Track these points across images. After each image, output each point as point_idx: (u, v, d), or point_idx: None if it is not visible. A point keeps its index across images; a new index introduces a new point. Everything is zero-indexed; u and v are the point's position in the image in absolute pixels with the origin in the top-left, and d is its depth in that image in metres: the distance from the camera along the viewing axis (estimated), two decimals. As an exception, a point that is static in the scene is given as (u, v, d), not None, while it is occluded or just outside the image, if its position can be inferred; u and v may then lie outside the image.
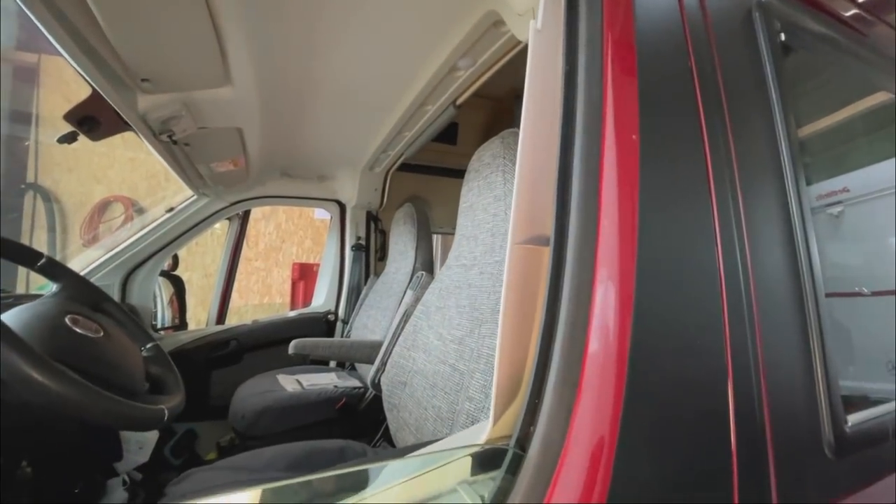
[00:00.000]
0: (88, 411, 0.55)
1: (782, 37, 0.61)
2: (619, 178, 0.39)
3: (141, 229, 1.90)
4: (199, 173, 1.75)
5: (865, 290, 1.25)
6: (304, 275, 3.75)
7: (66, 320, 0.67)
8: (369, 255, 2.43)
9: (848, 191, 1.37)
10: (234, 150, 1.64)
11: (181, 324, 2.24)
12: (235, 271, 2.30)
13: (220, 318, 2.27)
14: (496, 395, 0.42)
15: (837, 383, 0.51)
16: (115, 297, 1.80)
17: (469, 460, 0.39)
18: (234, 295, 2.39)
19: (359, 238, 2.41)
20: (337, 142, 1.89)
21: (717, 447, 0.40)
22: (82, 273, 1.74)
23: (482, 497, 0.35)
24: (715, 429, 0.40)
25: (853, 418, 0.53)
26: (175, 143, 1.27)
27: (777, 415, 0.46)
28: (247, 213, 2.32)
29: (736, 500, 0.40)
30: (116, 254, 1.83)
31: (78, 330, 0.67)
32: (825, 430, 0.50)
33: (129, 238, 1.87)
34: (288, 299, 4.18)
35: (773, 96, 0.57)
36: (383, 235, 2.48)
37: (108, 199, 3.87)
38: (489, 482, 0.36)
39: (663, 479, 0.37)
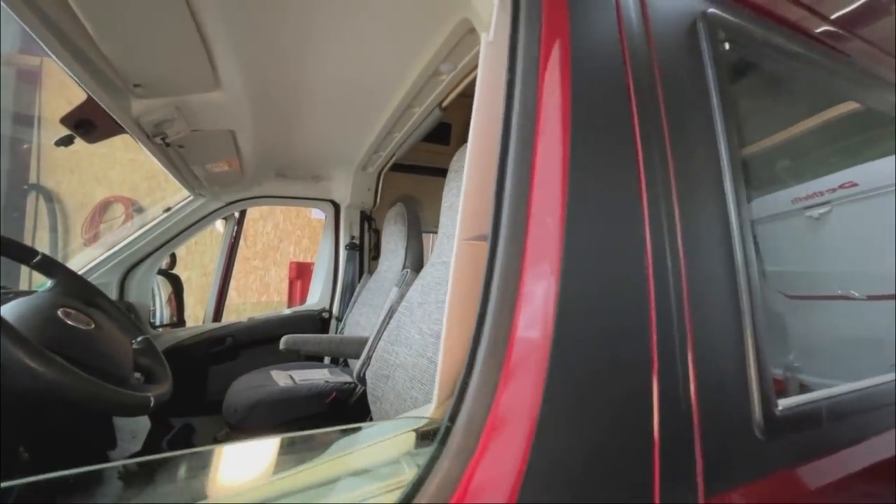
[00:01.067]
0: (77, 395, 0.60)
1: (727, 46, 0.65)
2: (548, 183, 0.43)
3: (138, 229, 1.95)
4: (194, 174, 1.80)
5: (856, 294, 1.27)
6: (301, 274, 3.80)
7: (59, 313, 0.72)
8: (363, 254, 2.48)
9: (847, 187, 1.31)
10: (228, 152, 1.69)
11: (179, 321, 2.30)
12: (232, 269, 2.35)
13: (217, 315, 2.32)
14: (440, 380, 0.46)
15: (768, 368, 0.55)
16: (114, 294, 1.85)
17: (413, 435, 0.44)
18: (233, 293, 2.44)
19: (353, 237, 2.45)
20: (329, 142, 1.93)
21: (637, 426, 0.44)
22: (81, 271, 1.79)
23: (419, 466, 0.39)
24: (636, 409, 0.44)
25: (784, 402, 0.57)
26: (168, 145, 1.32)
27: (705, 397, 0.50)
28: (243, 213, 2.37)
29: (657, 476, 0.44)
30: (114, 253, 1.88)
31: (70, 322, 0.72)
32: (755, 412, 0.54)
33: (126, 237, 1.92)
34: (285, 298, 4.24)
35: (715, 106, 0.61)
36: (377, 235, 2.53)
37: (109, 200, 3.94)
38: (427, 454, 0.40)
39: (582, 453, 0.41)
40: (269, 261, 4.64)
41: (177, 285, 2.32)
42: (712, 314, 0.53)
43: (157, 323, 2.17)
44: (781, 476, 0.56)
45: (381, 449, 0.43)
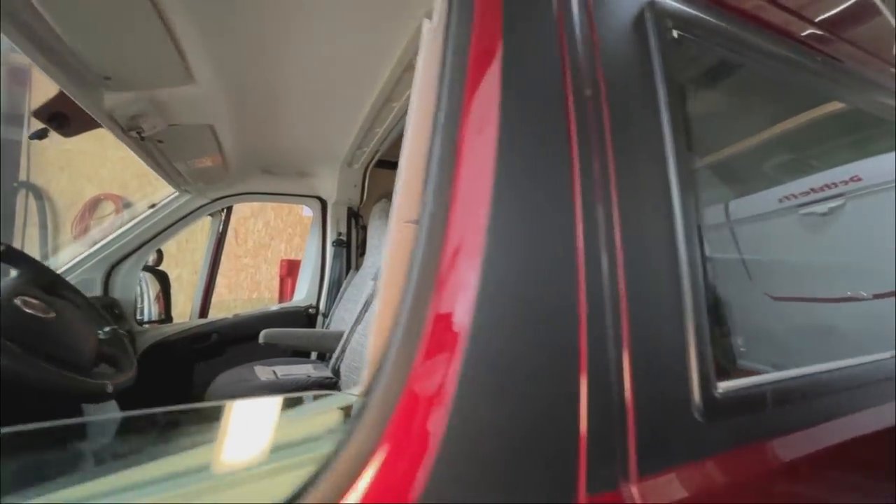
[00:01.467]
0: (29, 380, 0.60)
1: (675, 34, 0.65)
2: (474, 170, 0.44)
3: (122, 225, 1.96)
4: (177, 170, 1.80)
5: (865, 294, 1.25)
6: (292, 271, 3.80)
7: (17, 301, 0.72)
8: (350, 250, 2.49)
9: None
10: (210, 147, 1.69)
11: (167, 318, 2.30)
12: (218, 266, 2.35)
13: (203, 311, 2.32)
14: (369, 360, 0.46)
15: (708, 350, 0.56)
16: (98, 290, 1.86)
17: (340, 412, 0.44)
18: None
19: (340, 234, 2.46)
20: (312, 138, 1.93)
21: (563, 405, 0.44)
22: (65, 267, 1.80)
23: (338, 441, 0.40)
24: (562, 389, 0.45)
25: (724, 385, 0.57)
26: (143, 139, 1.32)
27: (640, 377, 0.50)
28: (229, 210, 2.38)
29: (583, 454, 0.45)
30: (99, 248, 1.88)
31: (27, 310, 0.72)
32: (694, 394, 0.54)
33: (111, 234, 1.93)
34: (276, 295, 4.25)
35: (661, 97, 0.61)
36: (364, 231, 2.53)
37: (99, 197, 3.95)
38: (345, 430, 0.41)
39: (502, 432, 0.41)
40: (259, 258, 4.65)
41: (164, 282, 2.33)
42: (650, 296, 0.54)
43: (145, 319, 2.18)
44: (722, 458, 0.56)
45: (308, 424, 0.43)
